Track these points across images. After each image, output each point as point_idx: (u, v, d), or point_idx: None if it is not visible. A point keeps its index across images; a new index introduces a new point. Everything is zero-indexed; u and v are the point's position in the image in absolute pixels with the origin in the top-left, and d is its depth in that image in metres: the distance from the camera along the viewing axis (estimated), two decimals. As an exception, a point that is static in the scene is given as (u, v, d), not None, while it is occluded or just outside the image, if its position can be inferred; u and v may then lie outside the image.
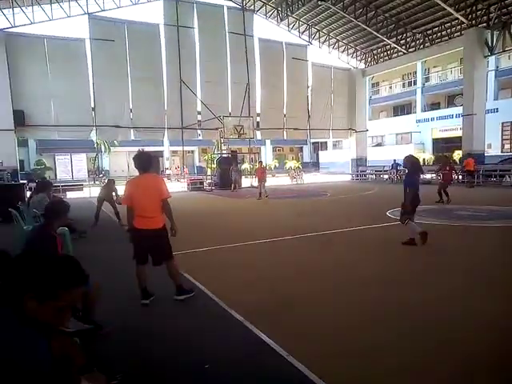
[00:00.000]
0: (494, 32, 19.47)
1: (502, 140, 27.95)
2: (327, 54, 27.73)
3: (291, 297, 4.06)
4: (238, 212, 12.17)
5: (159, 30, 22.00)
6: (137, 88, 21.50)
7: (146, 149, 35.89)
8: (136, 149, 35.76)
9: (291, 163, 38.49)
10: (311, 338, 3.12)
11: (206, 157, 31.68)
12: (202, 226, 9.14)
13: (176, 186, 22.74)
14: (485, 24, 19.65)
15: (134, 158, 4.05)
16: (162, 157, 40.39)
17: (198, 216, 10.97)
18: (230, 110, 23.63)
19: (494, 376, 2.54)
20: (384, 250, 6.22)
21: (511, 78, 28.04)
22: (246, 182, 23.23)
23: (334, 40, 27.17)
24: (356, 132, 28.38)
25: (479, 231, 7.58)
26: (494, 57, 23.43)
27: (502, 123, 27.49)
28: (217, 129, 22.44)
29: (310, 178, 27.45)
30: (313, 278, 4.77)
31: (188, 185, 22.09)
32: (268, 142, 42.11)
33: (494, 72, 27.64)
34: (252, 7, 24.81)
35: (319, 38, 26.89)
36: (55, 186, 14.44)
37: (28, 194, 11.44)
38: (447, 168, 12.28)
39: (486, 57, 20.32)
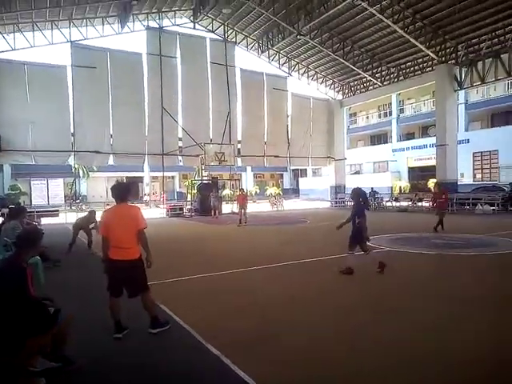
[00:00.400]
0: (463, 68, 20.64)
1: (474, 169, 29.07)
2: (306, 85, 28.66)
3: (274, 327, 4.03)
4: (218, 239, 12.09)
5: (142, 58, 22.34)
6: (118, 114, 21.54)
7: (126, 174, 35.86)
8: (115, 174, 35.45)
9: (272, 190, 38.73)
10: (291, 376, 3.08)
11: (187, 183, 31.60)
12: (182, 253, 9.03)
13: (155, 212, 22.50)
14: (454, 61, 20.84)
15: (111, 188, 4.03)
16: (142, 182, 40.07)
17: (177, 243, 10.83)
18: (211, 137, 23.87)
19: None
20: (363, 278, 6.27)
21: (480, 111, 29.58)
22: (227, 208, 23.20)
23: (312, 72, 28.16)
24: (335, 160, 29.02)
25: (454, 260, 7.75)
26: (463, 91, 24.69)
27: (473, 153, 28.69)
28: (198, 155, 22.57)
29: (290, 205, 27.67)
30: (295, 308, 4.75)
31: (167, 211, 21.87)
32: (249, 168, 42.47)
33: (464, 105, 29.08)
34: (234, 39, 25.61)
35: (299, 69, 27.83)
36: (29, 212, 14.05)
37: (0, 220, 11.06)
38: (443, 197, 11.93)
39: (455, 91, 21.41)
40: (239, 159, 25.65)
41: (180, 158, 24.10)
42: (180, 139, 23.49)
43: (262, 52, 26.42)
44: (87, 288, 5.68)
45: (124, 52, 22.11)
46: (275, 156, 26.55)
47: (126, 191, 4.06)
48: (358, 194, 6.37)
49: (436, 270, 6.96)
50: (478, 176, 28.76)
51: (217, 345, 3.52)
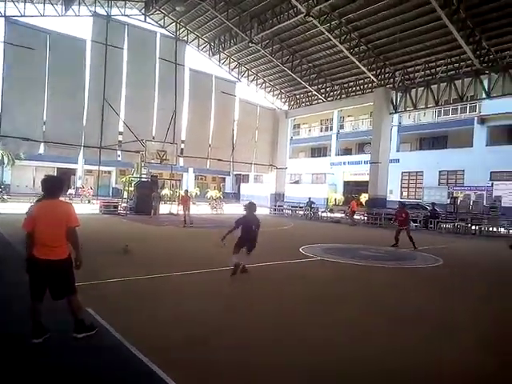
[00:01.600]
0: (398, 93, 22.31)
1: (402, 187, 31.43)
2: (254, 93, 29.07)
3: (205, 332, 4.01)
4: (156, 239, 11.73)
5: (86, 45, 21.14)
6: (54, 101, 20.14)
7: (57, 165, 33.52)
8: (46, 164, 33.03)
9: (213, 193, 38.57)
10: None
11: (124, 179, 30.33)
12: (115, 253, 8.62)
13: (86, 208, 21.30)
14: (391, 85, 22.44)
15: (43, 181, 3.77)
16: (75, 175, 37.74)
17: (110, 242, 10.32)
18: (153, 134, 23.22)
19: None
20: (296, 285, 6.48)
21: (410, 134, 32.10)
22: (165, 208, 22.63)
23: (261, 80, 28.64)
24: (276, 168, 29.71)
25: (378, 270, 8.31)
26: (397, 114, 26.65)
27: (402, 172, 31.04)
28: (138, 152, 21.83)
29: (231, 209, 27.72)
30: (229, 314, 4.77)
31: (100, 207, 20.77)
32: (191, 169, 41.94)
33: (397, 127, 31.35)
34: (185, 38, 25.25)
35: (248, 76, 28.15)
36: None
37: None
38: (403, 215, 12.04)
39: (391, 113, 23.04)
40: (181, 159, 25.25)
41: (119, 152, 23.11)
42: (120, 133, 22.57)
43: (213, 54, 26.35)
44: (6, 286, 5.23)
45: (67, 36, 20.75)
46: (218, 159, 26.53)
47: (58, 187, 3.82)
48: (248, 206, 7.27)
49: (359, 278, 7.41)
50: (405, 194, 31.13)
51: (144, 349, 3.43)
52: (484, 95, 19.35)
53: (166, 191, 31.02)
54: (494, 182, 24.92)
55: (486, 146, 26.43)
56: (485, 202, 21.18)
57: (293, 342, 3.95)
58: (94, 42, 21.23)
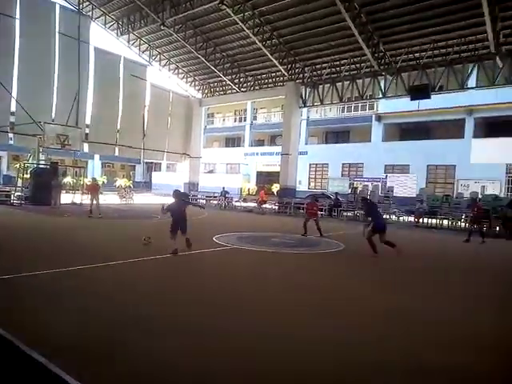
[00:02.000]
0: (307, 88, 23.51)
1: (309, 178, 33.36)
2: (167, 78, 28.12)
3: (114, 330, 3.82)
4: (57, 232, 10.74)
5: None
6: None
7: None
8: None
9: (122, 181, 36.58)
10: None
11: (18, 165, 27.08)
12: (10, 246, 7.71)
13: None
14: (301, 80, 23.51)
15: None
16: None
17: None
18: (53, 117, 21.11)
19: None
20: (210, 272, 6.51)
21: (317, 128, 34.13)
22: (68, 198, 20.81)
23: (174, 66, 27.78)
24: (190, 157, 29.27)
25: (287, 256, 8.77)
26: (306, 108, 28.09)
27: (310, 164, 32.92)
28: (35, 135, 19.64)
29: (141, 199, 26.61)
30: (142, 306, 4.60)
31: (-12, 197, 18.32)
32: (97, 156, 39.17)
33: (305, 121, 33.05)
34: (90, 13, 23.27)
35: (160, 60, 27.07)
36: None
37: None
38: (314, 208, 12.60)
39: (300, 107, 24.21)
40: (86, 145, 23.43)
41: (11, 135, 20.56)
42: (12, 114, 20.06)
43: (122, 34, 24.77)
44: None
45: None
46: (128, 146, 25.20)
47: None
48: (179, 194, 8.19)
49: (271, 263, 7.75)
50: (312, 184, 33.11)
51: (47, 351, 3.16)
52: (380, 95, 21.37)
53: (68, 179, 28.53)
54: (388, 175, 27.87)
55: (382, 141, 29.33)
56: (380, 192, 23.53)
57: (211, 325, 3.99)
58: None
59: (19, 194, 19.34)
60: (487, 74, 17.71)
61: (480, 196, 19.24)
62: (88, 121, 23.31)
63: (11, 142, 21.53)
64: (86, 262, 6.52)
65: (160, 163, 42.89)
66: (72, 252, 7.66)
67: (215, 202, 25.75)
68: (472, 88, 19.54)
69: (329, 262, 8.39)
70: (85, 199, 17.03)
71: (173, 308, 4.58)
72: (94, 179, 17.23)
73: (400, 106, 25.96)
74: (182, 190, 29.33)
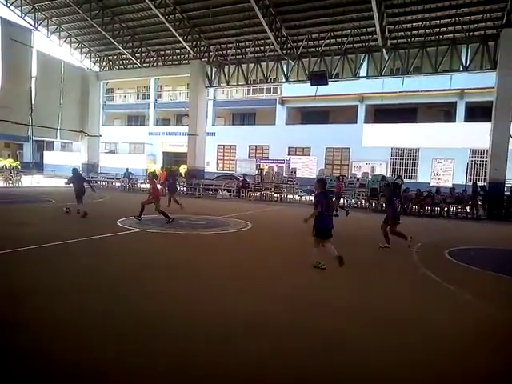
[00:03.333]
0: (213, 68, 23.24)
1: (218, 160, 33.42)
2: (58, 47, 25.24)
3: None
4: None
5: None
6: None
7: None
8: None
9: (6, 162, 32.26)
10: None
11: None
12: None
13: None
14: (207, 59, 23.12)
15: None
16: None
17: None
18: None
19: None
20: (118, 259, 6.23)
21: (224, 109, 34.17)
22: None
23: (65, 33, 25.00)
24: (88, 135, 27.02)
25: (199, 237, 8.80)
26: (213, 89, 27.81)
27: (218, 145, 32.92)
28: None
29: (31, 181, 23.89)
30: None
31: None
32: (-28, 133, 33.79)
33: (212, 102, 32.78)
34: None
35: (48, 25, 24.08)
36: None
37: None
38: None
39: (207, 87, 23.87)
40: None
41: None
42: None
43: (-2, -9, 21.37)
44: None
45: None
46: (13, 122, 22.15)
47: None
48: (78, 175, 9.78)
49: (181, 245, 7.71)
50: (221, 166, 33.27)
51: None
52: (284, 79, 22.12)
53: None
54: (291, 156, 29.31)
55: (286, 124, 30.59)
56: (284, 173, 24.67)
57: (126, 310, 3.86)
58: None
59: None
60: (376, 64, 19.54)
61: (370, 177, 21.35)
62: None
63: None
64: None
65: (53, 142, 38.83)
66: None
67: (118, 183, 24.35)
68: (363, 77, 21.44)
69: (238, 241, 8.63)
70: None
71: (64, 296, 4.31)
72: None
73: (301, 91, 27.26)
74: (83, 171, 27.13)
